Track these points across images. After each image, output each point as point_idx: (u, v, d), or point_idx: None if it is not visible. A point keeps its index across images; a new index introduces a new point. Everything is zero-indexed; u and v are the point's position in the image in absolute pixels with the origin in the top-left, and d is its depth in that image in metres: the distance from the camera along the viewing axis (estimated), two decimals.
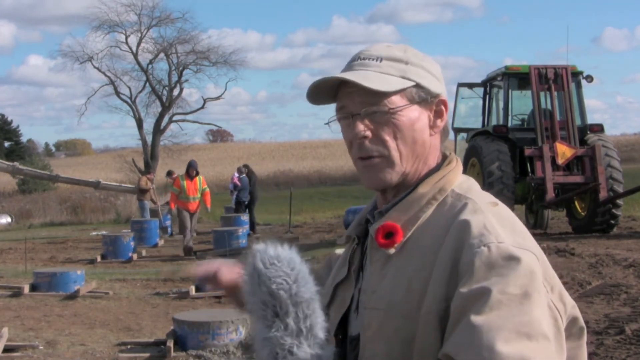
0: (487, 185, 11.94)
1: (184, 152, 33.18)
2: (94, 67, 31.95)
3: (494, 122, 13.94)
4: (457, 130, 14.83)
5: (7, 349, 6.43)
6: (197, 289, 9.18)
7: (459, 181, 1.27)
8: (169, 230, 18.24)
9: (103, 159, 60.59)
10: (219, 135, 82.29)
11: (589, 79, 13.57)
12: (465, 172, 1.32)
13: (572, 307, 1.18)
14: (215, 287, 1.50)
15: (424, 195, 1.25)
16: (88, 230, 20.09)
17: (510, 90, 13.59)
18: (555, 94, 13.00)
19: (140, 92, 32.60)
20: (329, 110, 1.31)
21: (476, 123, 14.53)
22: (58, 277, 9.46)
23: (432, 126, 1.28)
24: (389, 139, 1.23)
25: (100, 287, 9.88)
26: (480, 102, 14.47)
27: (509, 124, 13.54)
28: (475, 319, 1.04)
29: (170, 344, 6.24)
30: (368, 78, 1.22)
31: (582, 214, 13.22)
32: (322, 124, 1.34)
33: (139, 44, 32.02)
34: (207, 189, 13.85)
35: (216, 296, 8.93)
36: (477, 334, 1.03)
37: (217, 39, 73.20)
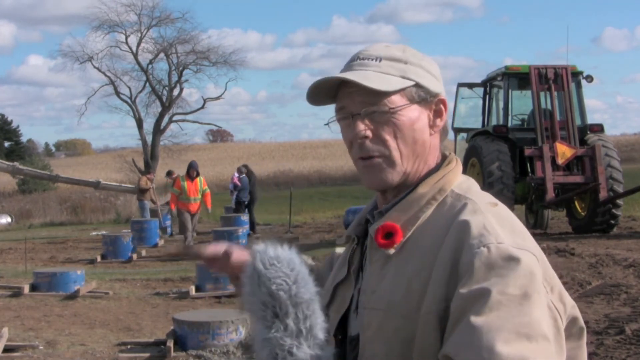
0: (487, 185, 11.94)
1: (184, 152, 33.19)
2: (94, 67, 31.97)
3: (494, 122, 13.94)
4: (457, 130, 14.84)
5: (7, 349, 6.43)
6: (197, 289, 9.19)
7: (459, 181, 1.27)
8: (169, 230, 18.24)
9: (103, 159, 60.60)
10: (219, 135, 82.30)
11: (589, 79, 13.58)
12: (465, 172, 1.32)
13: (572, 307, 1.18)
14: (221, 269, 1.48)
15: (423, 196, 1.25)
16: (88, 230, 20.09)
17: (510, 90, 13.59)
18: (555, 94, 13.00)
19: (140, 92, 32.63)
20: (329, 110, 1.31)
21: (476, 123, 14.53)
22: (58, 277, 9.46)
23: (431, 125, 1.28)
24: (389, 138, 1.23)
25: (100, 287, 9.88)
26: (480, 102, 14.47)
27: (509, 124, 13.55)
28: (475, 319, 1.04)
29: (170, 344, 6.24)
30: (368, 78, 1.22)
31: (582, 214, 13.23)
32: (322, 124, 1.34)
33: (139, 44, 32.03)
34: (208, 190, 13.85)
35: (216, 296, 8.93)
36: (476, 334, 1.03)
37: (217, 39, 73.23)
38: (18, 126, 60.48)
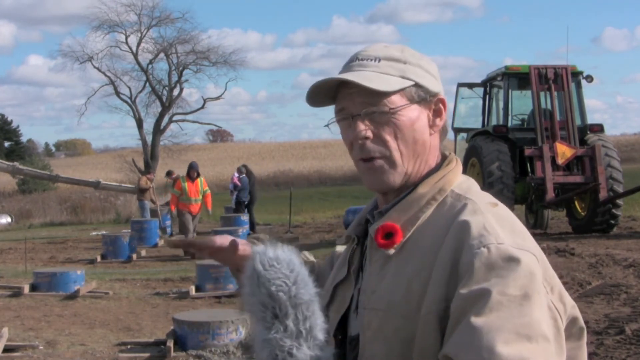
0: (487, 185, 11.94)
1: (184, 152, 33.21)
2: (94, 67, 31.98)
3: (494, 122, 13.94)
4: (457, 130, 14.84)
5: (7, 349, 6.43)
6: (197, 289, 9.19)
7: (459, 181, 1.27)
8: (169, 230, 18.24)
9: (103, 159, 60.60)
10: (219, 135, 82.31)
11: (589, 79, 13.58)
12: (465, 172, 1.32)
13: (572, 307, 1.18)
14: (224, 261, 1.47)
15: (423, 196, 1.25)
16: (88, 230, 20.09)
17: (510, 90, 13.60)
18: (555, 94, 13.01)
19: (140, 92, 32.64)
20: (329, 110, 1.31)
21: (476, 123, 14.53)
22: (58, 277, 9.46)
23: (431, 125, 1.28)
24: (390, 139, 1.23)
25: (100, 287, 9.88)
26: (480, 102, 14.47)
27: (509, 124, 13.55)
28: (475, 320, 1.04)
29: (170, 344, 6.24)
30: (368, 78, 1.22)
31: (582, 214, 13.23)
32: (322, 124, 1.34)
33: (139, 44, 32.04)
34: (208, 191, 13.82)
35: (216, 296, 8.93)
36: (477, 335, 1.03)
37: (217, 39, 73.32)
38: (18, 126, 60.54)
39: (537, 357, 1.03)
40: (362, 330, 1.22)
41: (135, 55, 31.99)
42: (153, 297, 9.18)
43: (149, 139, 32.10)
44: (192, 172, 13.41)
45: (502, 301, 1.05)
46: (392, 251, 1.22)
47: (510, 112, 13.73)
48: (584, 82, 13.63)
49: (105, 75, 32.17)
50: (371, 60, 1.26)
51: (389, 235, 1.22)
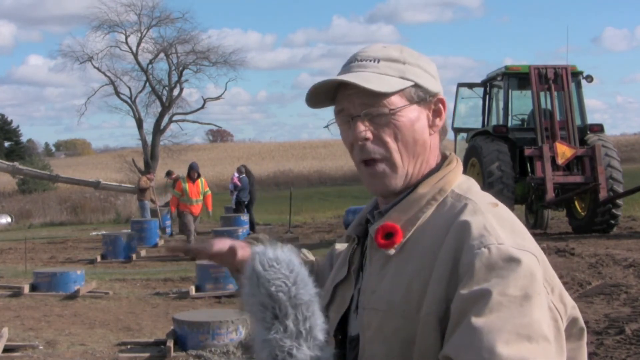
0: (487, 185, 11.94)
1: (184, 152, 33.24)
2: (94, 67, 32.01)
3: (494, 122, 13.95)
4: (457, 130, 14.84)
5: (7, 349, 6.43)
6: (197, 289, 9.19)
7: (459, 181, 1.27)
8: (168, 230, 18.24)
9: (103, 159, 60.60)
10: (219, 135, 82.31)
11: (589, 79, 13.58)
12: (465, 172, 1.31)
13: (572, 307, 1.18)
14: (224, 264, 1.47)
15: (423, 196, 1.24)
16: (88, 230, 20.09)
17: (510, 90, 13.60)
18: (555, 94, 13.01)
19: (140, 92, 32.67)
20: (329, 110, 1.31)
21: (476, 123, 14.54)
22: (58, 277, 9.46)
23: (431, 125, 1.28)
24: (390, 140, 1.23)
25: (100, 287, 9.88)
26: (480, 102, 14.48)
27: (509, 124, 13.55)
28: (476, 320, 1.04)
29: (170, 344, 6.24)
30: (367, 79, 1.22)
31: (582, 214, 13.23)
32: (322, 124, 1.34)
33: (139, 44, 32.06)
34: (209, 192, 13.81)
35: (216, 296, 8.93)
36: (477, 335, 1.03)
37: (217, 39, 73.39)
38: (18, 126, 60.54)
39: (538, 357, 1.02)
40: (362, 330, 1.22)
41: (135, 55, 32.01)
42: (153, 297, 9.18)
43: (149, 139, 32.12)
44: (193, 173, 13.39)
45: (503, 302, 1.05)
46: (392, 251, 1.22)
47: (510, 112, 13.73)
48: (584, 82, 13.64)
49: (105, 75, 32.21)
50: (370, 61, 1.26)
51: (389, 235, 1.22)
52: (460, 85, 14.66)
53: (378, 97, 1.22)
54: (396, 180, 1.25)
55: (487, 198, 1.23)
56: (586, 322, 1.20)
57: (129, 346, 6.63)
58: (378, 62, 1.25)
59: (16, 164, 22.97)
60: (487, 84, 14.21)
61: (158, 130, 32.01)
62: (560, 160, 12.53)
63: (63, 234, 19.32)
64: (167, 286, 9.93)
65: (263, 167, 44.26)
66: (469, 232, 1.13)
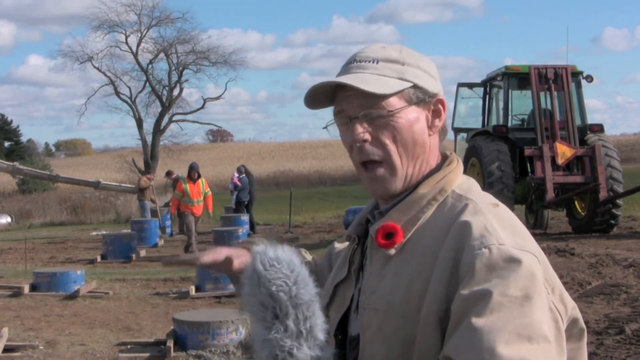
0: (487, 185, 11.94)
1: (184, 152, 33.25)
2: (94, 67, 32.02)
3: (494, 122, 13.95)
4: (457, 130, 14.84)
5: (7, 349, 6.43)
6: (197, 289, 9.19)
7: (459, 182, 1.27)
8: (168, 230, 18.25)
9: (103, 159, 60.60)
10: (219, 135, 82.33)
11: (589, 79, 13.58)
12: (465, 172, 1.31)
13: (572, 308, 1.18)
14: (221, 272, 1.45)
15: (424, 196, 1.24)
16: (88, 230, 20.10)
17: (510, 90, 13.60)
18: (555, 94, 13.01)
19: (140, 92, 32.68)
20: (329, 111, 1.30)
21: (476, 123, 14.54)
22: (58, 277, 9.47)
23: (430, 126, 1.27)
24: (388, 142, 1.23)
25: (100, 287, 9.88)
26: (480, 102, 14.47)
27: (509, 124, 13.55)
28: (476, 321, 1.04)
29: (170, 344, 6.24)
30: (365, 81, 1.21)
31: (582, 214, 13.23)
32: (322, 124, 1.33)
33: (139, 44, 32.07)
34: (209, 192, 13.78)
35: (216, 296, 8.93)
36: (477, 336, 1.03)
37: (217, 39, 73.39)
38: (18, 126, 60.55)
39: (538, 358, 1.02)
40: (362, 330, 1.22)
41: (135, 55, 32.02)
42: (153, 297, 9.19)
43: (149, 139, 32.12)
44: (193, 173, 13.37)
45: (503, 302, 1.05)
46: (392, 251, 1.22)
47: (510, 112, 13.73)
48: (584, 82, 13.63)
49: (105, 75, 32.22)
50: (369, 61, 1.25)
51: (390, 235, 1.22)
52: (460, 85, 14.66)
53: (376, 98, 1.21)
54: (396, 182, 1.24)
55: (488, 198, 1.23)
56: (586, 322, 1.20)
57: (129, 346, 6.63)
58: (377, 63, 1.25)
59: (16, 164, 22.98)
60: (487, 84, 14.21)
61: (158, 130, 32.02)
62: (560, 160, 12.53)
63: (63, 234, 19.33)
64: (167, 286, 9.93)
65: (263, 167, 44.26)
66: (470, 233, 1.13)
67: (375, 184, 1.25)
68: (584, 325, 1.21)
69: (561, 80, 12.98)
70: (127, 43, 32.08)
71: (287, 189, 26.26)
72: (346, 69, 1.27)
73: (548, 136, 12.79)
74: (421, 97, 1.25)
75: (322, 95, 1.28)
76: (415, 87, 1.24)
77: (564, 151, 12.57)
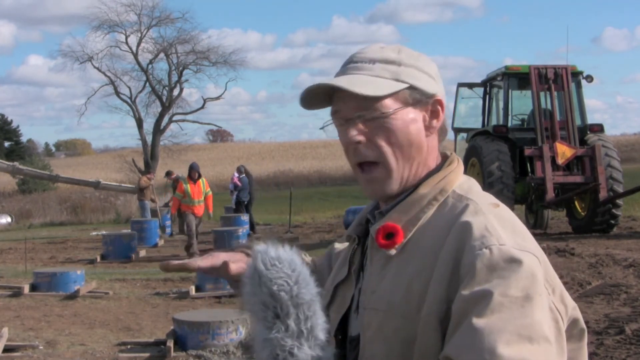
0: (487, 185, 11.94)
1: (184, 152, 33.26)
2: (94, 67, 32.03)
3: (494, 122, 13.95)
4: (457, 130, 14.84)
5: (7, 349, 6.43)
6: (197, 289, 9.19)
7: (460, 182, 1.27)
8: (168, 230, 18.24)
9: (103, 159, 60.60)
10: (219, 135, 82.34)
11: (589, 79, 13.58)
12: (465, 172, 1.31)
13: (573, 308, 1.18)
14: (220, 276, 1.46)
15: (424, 196, 1.24)
16: (88, 230, 20.10)
17: (510, 90, 13.60)
18: (555, 94, 13.01)
19: (140, 92, 32.68)
20: (328, 111, 1.30)
21: (476, 123, 14.54)
22: (58, 277, 9.47)
23: (427, 127, 1.26)
24: (383, 143, 1.23)
25: (100, 287, 9.88)
26: (480, 102, 14.48)
27: (509, 124, 13.56)
28: (477, 321, 1.04)
29: (170, 344, 6.24)
30: (359, 83, 1.21)
31: (582, 214, 13.23)
32: (322, 124, 1.34)
33: (139, 44, 32.08)
34: (210, 192, 13.77)
35: (216, 296, 8.93)
36: (478, 336, 1.03)
37: (217, 39, 73.42)
38: (18, 126, 60.55)
39: (539, 358, 1.03)
40: (362, 330, 1.22)
41: (135, 55, 32.03)
42: (153, 297, 9.19)
43: (149, 139, 32.13)
44: (193, 173, 13.36)
45: (504, 302, 1.05)
46: (393, 251, 1.21)
47: (510, 112, 13.73)
48: (584, 82, 13.64)
49: (105, 75, 32.23)
50: (366, 62, 1.25)
51: (390, 235, 1.22)
52: (460, 85, 14.66)
53: (370, 100, 1.21)
54: (391, 184, 1.24)
55: (488, 198, 1.23)
56: (586, 322, 1.20)
57: (129, 346, 6.63)
58: (374, 64, 1.24)
59: (16, 164, 22.98)
60: (487, 84, 14.21)
61: (158, 130, 32.02)
62: (560, 160, 12.53)
63: (63, 234, 19.33)
64: (167, 286, 9.93)
65: (263, 167, 44.26)
66: (470, 233, 1.13)
67: (371, 185, 1.25)
68: (584, 326, 1.21)
69: (561, 80, 12.99)
70: (127, 43, 32.10)
71: (287, 189, 26.26)
72: (344, 69, 1.27)
73: (548, 136, 12.79)
74: (418, 98, 1.24)
75: (320, 95, 1.27)
76: (411, 88, 1.24)
77: (564, 151, 12.57)
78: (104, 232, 16.44)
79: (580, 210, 13.35)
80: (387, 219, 1.24)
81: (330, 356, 1.14)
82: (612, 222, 12.83)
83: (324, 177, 41.72)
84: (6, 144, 56.47)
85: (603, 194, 12.33)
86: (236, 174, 17.52)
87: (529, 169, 12.98)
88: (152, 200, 18.10)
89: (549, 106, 13.02)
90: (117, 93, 32.37)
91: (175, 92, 32.58)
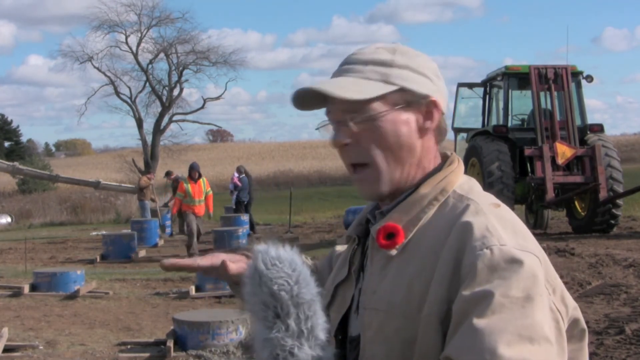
0: (487, 185, 11.95)
1: (184, 152, 33.27)
2: (94, 67, 32.04)
3: (494, 122, 13.96)
4: (457, 130, 14.85)
5: (7, 349, 6.43)
6: (197, 289, 9.19)
7: (461, 182, 1.26)
8: (168, 230, 18.24)
9: (103, 159, 60.61)
10: (219, 135, 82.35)
11: (589, 79, 13.59)
12: (465, 172, 1.31)
13: (573, 308, 1.18)
14: (220, 277, 1.47)
15: (425, 196, 1.24)
16: (88, 230, 20.10)
17: (510, 90, 13.61)
18: (555, 94, 13.02)
19: (140, 92, 32.70)
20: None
21: (476, 123, 14.54)
22: (58, 277, 9.47)
23: (420, 129, 1.25)
24: (371, 146, 1.22)
25: (100, 287, 9.89)
26: (480, 102, 14.49)
27: (509, 124, 13.56)
28: (478, 322, 1.04)
29: (170, 344, 6.24)
30: (343, 86, 1.21)
31: (582, 214, 13.24)
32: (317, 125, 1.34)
33: (139, 44, 32.08)
34: (210, 192, 13.77)
35: (216, 296, 8.93)
36: (479, 337, 1.03)
37: (217, 39, 73.51)
38: (18, 126, 60.56)
39: (539, 359, 1.02)
40: (362, 330, 1.22)
41: (135, 55, 32.03)
42: (153, 297, 9.19)
43: (149, 139, 32.13)
44: (194, 173, 13.37)
45: (505, 303, 1.05)
46: (394, 252, 1.21)
47: (510, 112, 13.74)
48: (584, 82, 13.64)
49: (105, 75, 32.24)
50: (359, 64, 1.25)
51: (391, 235, 1.22)
52: (460, 85, 14.67)
53: (357, 103, 1.21)
54: (381, 185, 1.24)
55: (489, 198, 1.23)
56: (586, 322, 1.20)
57: (129, 346, 6.63)
58: (366, 65, 1.24)
59: (16, 164, 22.99)
60: (487, 84, 14.22)
61: (158, 130, 32.02)
62: (560, 160, 12.53)
63: (63, 234, 19.33)
64: (167, 286, 9.93)
65: (263, 167, 44.27)
66: (471, 233, 1.13)
67: (361, 185, 1.26)
68: (585, 326, 1.21)
69: (561, 80, 12.99)
70: (127, 43, 32.11)
71: (287, 189, 26.26)
72: (338, 70, 1.27)
73: (548, 136, 12.80)
74: (409, 100, 1.23)
75: (313, 96, 1.27)
76: (402, 90, 1.23)
77: (564, 151, 12.57)
78: (104, 232, 16.44)
79: (580, 210, 13.35)
80: (388, 219, 1.24)
81: (331, 356, 1.14)
82: (612, 222, 12.83)
83: (324, 177, 41.72)
84: (6, 144, 56.48)
85: (603, 194, 12.34)
86: (236, 174, 17.52)
87: (529, 169, 12.99)
88: (152, 200, 18.10)
89: (549, 106, 13.02)
90: (117, 93, 32.39)
91: (175, 92, 32.60)
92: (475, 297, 1.06)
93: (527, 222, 13.45)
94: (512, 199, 12.46)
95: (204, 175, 14.28)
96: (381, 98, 1.21)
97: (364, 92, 1.20)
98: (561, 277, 1.16)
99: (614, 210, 12.66)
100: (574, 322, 1.18)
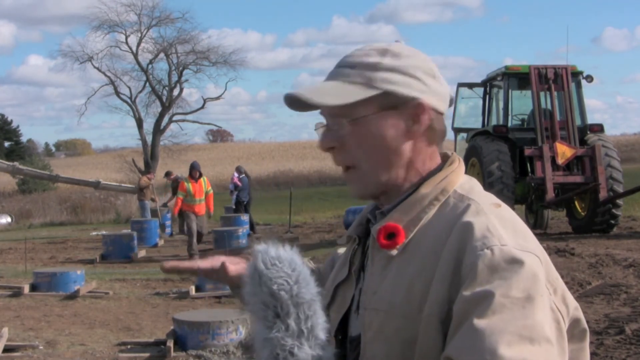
0: (487, 185, 11.94)
1: (184, 152, 33.28)
2: (94, 67, 32.07)
3: (494, 122, 13.96)
4: (457, 130, 14.85)
5: (7, 349, 6.43)
6: (197, 289, 9.19)
7: (461, 182, 1.26)
8: (168, 230, 18.24)
9: (103, 159, 60.61)
10: (219, 135, 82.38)
11: (589, 79, 13.59)
12: (465, 172, 1.31)
13: (574, 308, 1.18)
14: (219, 280, 1.48)
15: (426, 196, 1.24)
16: (88, 230, 20.10)
17: (510, 90, 13.61)
18: (555, 94, 13.02)
19: (140, 92, 32.72)
20: None
21: (476, 123, 14.55)
22: (58, 277, 9.47)
23: (408, 131, 1.24)
24: (354, 149, 1.23)
25: (100, 287, 9.89)
26: (480, 102, 14.48)
27: (509, 124, 13.56)
28: (478, 322, 1.04)
29: (170, 344, 6.24)
30: (323, 92, 1.21)
31: (582, 214, 13.24)
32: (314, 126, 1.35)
33: (139, 44, 32.11)
34: (211, 192, 13.77)
35: (216, 296, 8.93)
36: (479, 337, 1.03)
37: (217, 39, 73.53)
38: (18, 126, 60.58)
39: (540, 359, 1.02)
40: (363, 330, 1.22)
41: (135, 55, 32.05)
42: (153, 297, 9.19)
43: (149, 139, 32.14)
44: (195, 172, 13.37)
45: (505, 303, 1.05)
46: (394, 252, 1.21)
47: (510, 112, 13.74)
48: (584, 82, 13.64)
49: (105, 75, 32.27)
50: (347, 67, 1.24)
51: (392, 235, 1.22)
52: (460, 85, 14.67)
53: (341, 107, 1.21)
54: (367, 187, 1.26)
55: (490, 198, 1.23)
56: (586, 322, 1.20)
57: (129, 346, 6.63)
58: (354, 69, 1.24)
59: (16, 164, 22.99)
60: (487, 84, 14.22)
61: (158, 130, 32.04)
62: (560, 160, 12.53)
63: (63, 234, 19.33)
64: (167, 286, 9.94)
65: (263, 167, 44.28)
66: (472, 233, 1.13)
67: (350, 184, 1.28)
68: (586, 326, 1.20)
69: (561, 80, 12.99)
70: (127, 43, 32.13)
71: (287, 189, 26.26)
72: (329, 73, 1.28)
73: (548, 136, 12.80)
74: (394, 103, 1.22)
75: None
76: (385, 93, 1.22)
77: (564, 151, 12.57)
78: (104, 232, 16.44)
79: (580, 210, 13.35)
80: (389, 219, 1.24)
81: (331, 356, 1.14)
82: (612, 222, 12.83)
83: (324, 177, 41.72)
84: (6, 144, 56.49)
85: (603, 194, 12.34)
86: (236, 174, 17.52)
87: (529, 169, 12.99)
88: (152, 200, 18.10)
89: (549, 106, 13.02)
90: (117, 93, 32.41)
91: (175, 92, 32.62)
92: (475, 298, 1.06)
93: (527, 222, 13.35)
94: (512, 199, 12.46)
95: (204, 175, 14.28)
96: (365, 102, 1.21)
97: (343, 97, 1.20)
98: (561, 277, 1.16)
99: (614, 210, 12.66)
100: (575, 322, 1.18)
